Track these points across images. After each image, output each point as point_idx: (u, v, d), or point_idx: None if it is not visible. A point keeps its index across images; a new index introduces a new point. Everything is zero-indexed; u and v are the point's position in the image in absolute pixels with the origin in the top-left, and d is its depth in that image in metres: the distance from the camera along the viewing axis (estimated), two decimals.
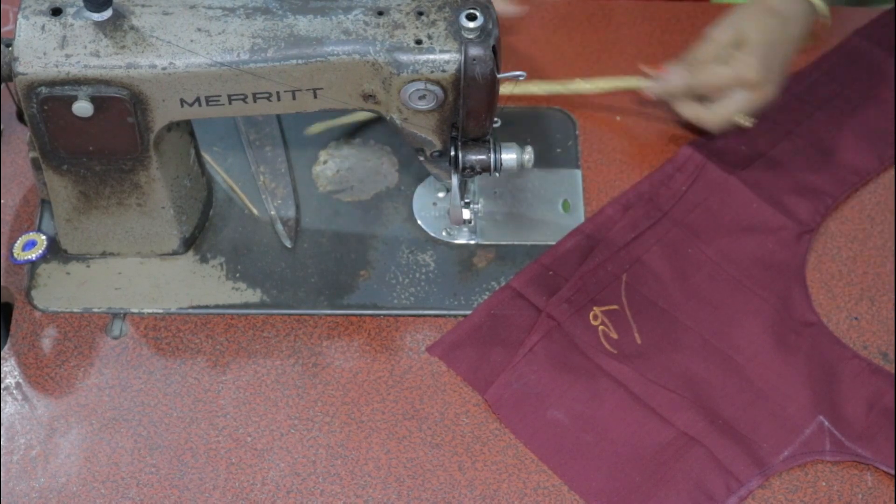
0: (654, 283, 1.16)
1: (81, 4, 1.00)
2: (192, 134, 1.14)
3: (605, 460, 1.07)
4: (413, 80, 1.02)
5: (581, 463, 1.07)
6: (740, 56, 1.19)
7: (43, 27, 1.01)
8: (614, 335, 1.14)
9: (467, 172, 1.09)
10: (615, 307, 1.15)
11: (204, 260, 1.17)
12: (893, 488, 1.07)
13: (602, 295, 1.16)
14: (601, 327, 1.14)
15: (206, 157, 1.22)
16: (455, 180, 1.09)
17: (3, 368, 1.11)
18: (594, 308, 1.15)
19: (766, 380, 1.12)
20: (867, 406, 1.10)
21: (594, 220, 1.20)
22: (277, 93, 1.03)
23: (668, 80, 1.23)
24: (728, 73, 1.19)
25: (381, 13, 1.02)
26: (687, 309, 1.15)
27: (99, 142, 1.05)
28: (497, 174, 1.09)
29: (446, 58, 1.01)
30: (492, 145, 1.08)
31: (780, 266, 1.18)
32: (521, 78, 1.08)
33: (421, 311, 1.15)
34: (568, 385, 1.11)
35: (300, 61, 1.01)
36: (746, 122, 1.22)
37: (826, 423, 1.09)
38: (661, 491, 1.06)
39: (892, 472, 1.07)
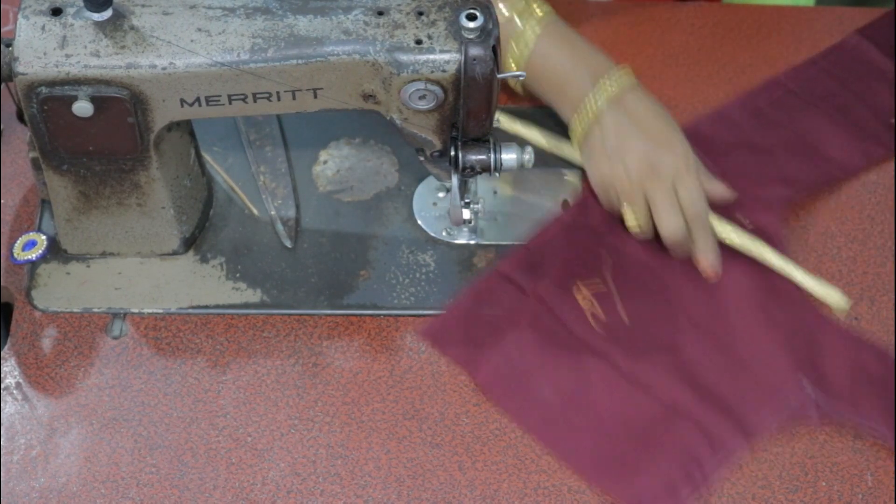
0: (637, 264, 1.18)
1: (81, 4, 1.00)
2: (192, 134, 1.14)
3: (595, 435, 1.09)
4: (413, 80, 1.02)
5: (572, 439, 1.09)
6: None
7: (43, 27, 1.01)
8: (601, 314, 1.15)
9: (467, 172, 1.09)
10: (601, 287, 1.16)
11: (204, 260, 1.17)
12: (893, 488, 1.07)
13: (588, 275, 1.17)
14: (588, 307, 1.15)
15: (206, 157, 1.22)
16: (455, 180, 1.09)
17: (3, 368, 1.11)
18: (581, 288, 1.16)
19: (750, 350, 1.14)
20: (849, 371, 1.12)
21: (579, 204, 1.21)
22: (277, 93, 1.03)
23: None
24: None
25: (381, 13, 1.02)
26: (671, 287, 1.17)
27: (99, 142, 1.05)
28: (497, 174, 1.09)
29: (446, 58, 1.01)
30: (492, 145, 1.08)
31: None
32: (521, 77, 1.08)
33: (421, 311, 1.15)
34: (556, 364, 1.12)
35: (300, 61, 1.01)
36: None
37: (810, 389, 1.11)
38: (652, 462, 1.07)
39: (878, 431, 1.09)
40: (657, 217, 1.14)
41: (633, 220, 1.15)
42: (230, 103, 1.04)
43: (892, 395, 1.11)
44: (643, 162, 1.14)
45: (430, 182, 1.22)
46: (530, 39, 1.18)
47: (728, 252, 1.18)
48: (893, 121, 1.27)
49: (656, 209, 1.14)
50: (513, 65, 1.19)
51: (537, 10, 1.18)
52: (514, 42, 1.18)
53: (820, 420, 1.10)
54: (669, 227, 1.14)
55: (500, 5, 1.17)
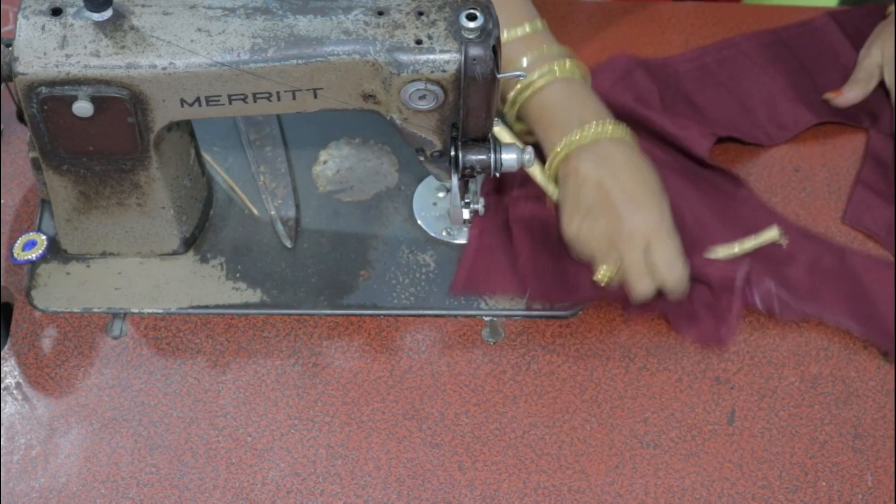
0: None
1: (81, 4, 1.00)
2: (192, 134, 1.14)
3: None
4: (413, 80, 1.02)
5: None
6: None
7: (43, 27, 1.01)
8: None
9: (467, 172, 1.09)
10: None
11: (204, 260, 1.17)
12: (893, 488, 1.07)
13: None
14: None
15: (206, 157, 1.22)
16: (455, 180, 1.09)
17: (3, 368, 1.11)
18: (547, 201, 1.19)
19: (714, 259, 1.17)
20: (808, 268, 1.17)
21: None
22: (277, 93, 1.03)
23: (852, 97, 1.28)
24: None
25: (381, 13, 1.02)
26: None
27: (99, 142, 1.05)
28: (497, 174, 1.09)
29: (446, 58, 1.01)
30: (492, 145, 1.08)
31: (695, 157, 1.23)
32: (521, 77, 1.08)
33: (421, 311, 1.15)
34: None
35: (300, 61, 1.02)
36: None
37: (773, 287, 1.15)
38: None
39: (840, 324, 1.14)
40: (628, 281, 1.12)
41: (605, 276, 1.13)
42: (230, 103, 1.04)
43: (849, 287, 1.16)
44: (616, 224, 1.11)
45: (430, 182, 1.22)
46: (538, 84, 1.14)
47: (695, 179, 1.21)
48: (829, 95, 1.28)
49: (627, 273, 1.11)
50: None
51: (556, 70, 1.14)
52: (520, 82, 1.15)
53: (782, 314, 1.15)
54: (638, 292, 1.12)
55: (525, 58, 1.14)
